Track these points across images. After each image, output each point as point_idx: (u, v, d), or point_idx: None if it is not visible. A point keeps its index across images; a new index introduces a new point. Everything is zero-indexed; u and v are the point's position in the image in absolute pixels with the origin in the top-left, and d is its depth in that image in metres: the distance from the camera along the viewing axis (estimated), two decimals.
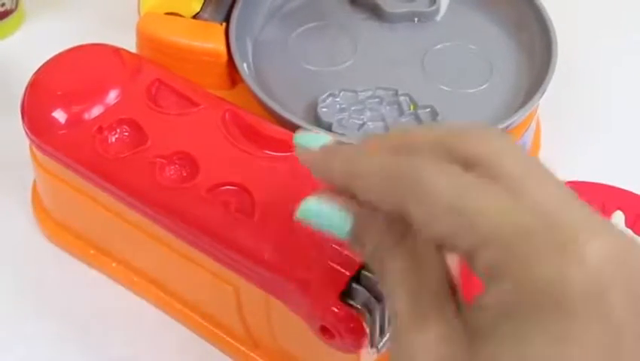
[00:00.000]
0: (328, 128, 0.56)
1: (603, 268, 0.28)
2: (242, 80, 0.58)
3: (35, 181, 0.59)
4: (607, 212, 0.54)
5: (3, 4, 0.71)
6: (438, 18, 0.65)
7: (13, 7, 0.71)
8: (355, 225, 0.35)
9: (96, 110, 0.51)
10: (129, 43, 0.58)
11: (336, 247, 0.42)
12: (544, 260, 0.29)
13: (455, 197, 0.31)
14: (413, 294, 0.33)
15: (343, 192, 0.35)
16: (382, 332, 0.43)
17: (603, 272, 0.28)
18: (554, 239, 0.29)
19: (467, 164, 0.32)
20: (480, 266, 0.30)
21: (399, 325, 0.32)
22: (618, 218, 0.49)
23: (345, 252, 0.42)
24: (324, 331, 0.43)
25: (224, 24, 0.60)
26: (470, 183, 0.31)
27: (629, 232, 0.29)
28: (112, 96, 0.51)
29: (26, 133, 0.52)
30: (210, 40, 0.59)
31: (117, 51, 0.54)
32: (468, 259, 0.31)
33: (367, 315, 0.42)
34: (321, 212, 0.36)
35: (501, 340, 0.29)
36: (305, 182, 0.46)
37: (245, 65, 0.59)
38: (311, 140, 0.38)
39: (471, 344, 0.30)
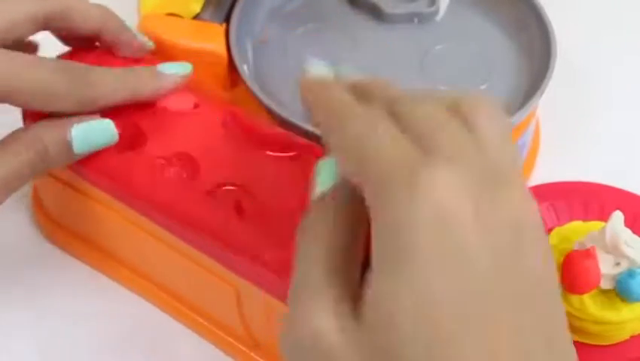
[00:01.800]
0: None
1: (445, 198, 0.30)
2: (242, 81, 0.58)
3: (35, 182, 0.59)
4: (606, 212, 0.54)
5: None
6: (438, 19, 0.65)
7: None
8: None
9: None
10: None
11: None
12: (395, 201, 0.30)
13: (364, 131, 0.33)
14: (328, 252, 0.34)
15: None
16: None
17: (445, 203, 0.30)
18: (409, 176, 0.31)
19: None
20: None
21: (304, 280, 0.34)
22: (617, 218, 0.49)
23: None
24: None
25: (225, 25, 0.60)
26: (383, 125, 0.33)
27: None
28: None
29: None
30: (210, 41, 0.59)
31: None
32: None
33: None
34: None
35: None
36: (306, 182, 0.46)
37: (244, 65, 0.59)
38: (317, 69, 0.41)
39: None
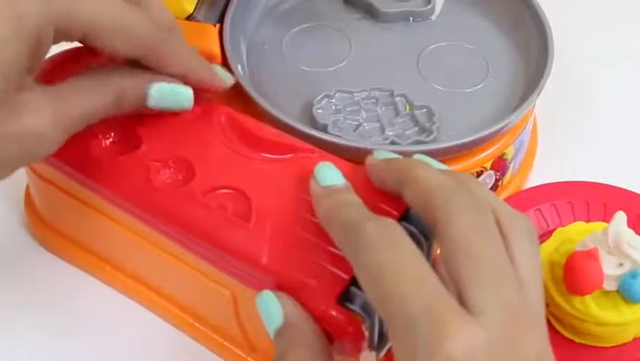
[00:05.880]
0: (324, 129, 0.56)
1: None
2: (236, 82, 0.57)
3: (27, 186, 0.58)
4: (608, 212, 0.54)
5: None
6: (433, 17, 0.65)
7: None
8: (285, 325, 0.41)
9: None
10: None
11: (335, 250, 0.42)
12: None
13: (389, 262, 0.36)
14: None
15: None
16: (381, 336, 0.43)
17: None
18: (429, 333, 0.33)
19: None
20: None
21: None
22: (620, 218, 0.49)
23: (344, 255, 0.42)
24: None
25: (218, 25, 0.60)
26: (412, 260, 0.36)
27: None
28: None
29: None
30: (204, 41, 0.58)
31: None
32: None
33: (366, 319, 0.41)
34: (272, 307, 0.42)
35: None
36: (302, 185, 0.46)
37: (239, 66, 0.58)
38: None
39: None
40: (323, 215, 0.42)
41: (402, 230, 0.38)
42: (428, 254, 0.43)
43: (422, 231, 0.43)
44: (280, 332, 0.41)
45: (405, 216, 0.44)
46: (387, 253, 0.36)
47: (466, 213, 0.37)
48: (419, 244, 0.42)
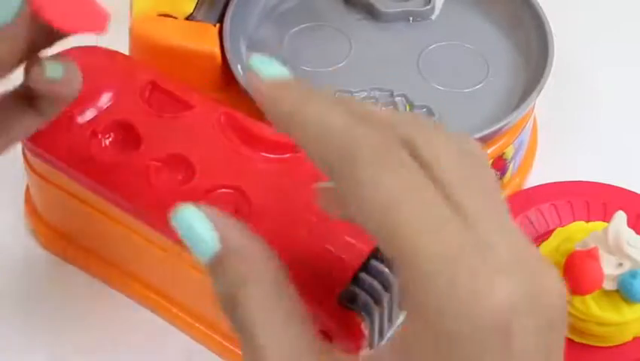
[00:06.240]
0: None
1: (509, 307, 0.27)
2: (236, 82, 0.57)
3: (27, 185, 0.58)
4: (608, 212, 0.54)
5: None
6: (433, 17, 0.65)
7: None
8: (225, 248, 0.32)
9: (90, 113, 0.50)
10: (123, 45, 0.58)
11: (335, 250, 0.42)
12: (455, 301, 0.27)
13: (393, 197, 0.28)
14: (284, 346, 0.31)
15: None
16: (381, 335, 0.43)
17: (508, 311, 0.27)
18: (466, 277, 0.27)
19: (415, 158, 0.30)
20: (398, 283, 0.30)
21: None
22: (620, 218, 0.49)
23: (344, 255, 0.42)
24: (323, 334, 0.42)
25: (218, 25, 0.60)
26: (415, 189, 0.29)
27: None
28: (106, 99, 0.51)
29: None
30: (204, 41, 0.58)
31: (110, 54, 0.54)
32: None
33: (366, 318, 0.41)
34: (194, 225, 0.32)
35: None
36: (301, 183, 0.46)
37: (239, 66, 0.58)
38: (266, 65, 0.33)
39: None
40: (283, 117, 0.32)
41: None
42: (380, 320, 0.43)
43: (373, 297, 0.42)
44: (217, 264, 0.32)
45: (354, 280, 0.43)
46: (397, 175, 0.29)
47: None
48: (369, 313, 0.42)
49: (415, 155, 0.29)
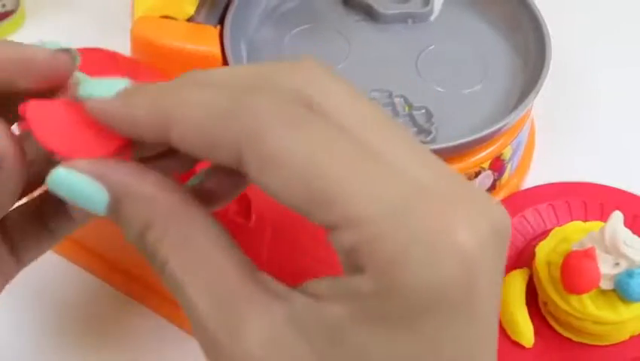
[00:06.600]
0: None
1: (474, 257, 0.25)
2: None
3: None
4: (605, 212, 0.54)
5: (4, 5, 0.71)
6: (432, 19, 0.65)
7: (14, 8, 0.72)
8: (115, 196, 0.29)
9: None
10: (124, 46, 0.58)
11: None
12: (415, 259, 0.25)
13: (315, 157, 0.26)
14: (211, 289, 0.28)
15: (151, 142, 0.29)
16: None
17: (474, 262, 0.25)
18: (425, 227, 0.25)
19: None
20: (337, 247, 0.27)
21: (208, 337, 0.28)
22: (617, 218, 0.49)
23: None
24: None
25: (219, 27, 0.60)
26: (331, 142, 0.26)
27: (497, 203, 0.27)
28: None
29: None
30: (204, 43, 0.59)
31: (112, 55, 0.54)
32: (327, 231, 0.26)
33: None
34: (72, 184, 0.29)
35: (363, 342, 0.26)
36: None
37: None
38: (101, 87, 0.30)
39: (310, 342, 0.27)
40: (152, 109, 0.29)
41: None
42: None
43: None
44: (115, 214, 0.29)
45: None
46: (308, 134, 0.26)
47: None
48: None
49: (314, 109, 0.27)
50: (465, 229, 0.25)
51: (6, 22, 0.72)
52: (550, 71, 0.58)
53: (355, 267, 0.26)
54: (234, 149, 0.27)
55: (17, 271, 0.37)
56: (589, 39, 0.74)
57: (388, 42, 0.63)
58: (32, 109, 0.30)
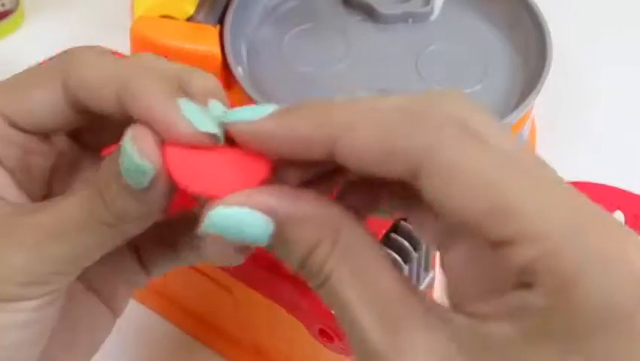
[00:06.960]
0: None
1: None
2: (236, 83, 0.57)
3: None
4: None
5: (3, 5, 0.71)
6: (432, 18, 0.65)
7: (13, 7, 0.72)
8: (279, 222, 0.29)
9: None
10: (123, 45, 0.58)
11: None
12: (592, 278, 0.25)
13: (491, 169, 0.26)
14: (375, 302, 0.28)
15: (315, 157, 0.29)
16: None
17: None
18: (600, 248, 0.26)
19: None
20: (510, 262, 0.26)
21: (368, 348, 0.28)
22: (618, 218, 0.49)
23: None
24: (323, 334, 0.43)
25: (218, 26, 0.60)
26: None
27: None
28: None
29: None
30: (204, 42, 0.59)
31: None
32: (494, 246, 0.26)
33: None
34: (235, 220, 0.28)
35: (536, 360, 0.26)
36: None
37: (239, 67, 0.58)
38: (247, 112, 0.31)
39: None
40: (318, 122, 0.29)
41: None
42: (418, 265, 0.43)
43: (414, 244, 0.42)
44: (278, 241, 0.29)
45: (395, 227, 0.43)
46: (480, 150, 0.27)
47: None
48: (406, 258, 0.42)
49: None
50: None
51: (5, 22, 0.72)
52: (550, 70, 0.58)
53: (523, 284, 0.26)
54: (413, 160, 0.27)
55: (148, 281, 0.38)
56: (590, 38, 0.74)
57: (388, 42, 0.63)
58: (172, 155, 0.29)
